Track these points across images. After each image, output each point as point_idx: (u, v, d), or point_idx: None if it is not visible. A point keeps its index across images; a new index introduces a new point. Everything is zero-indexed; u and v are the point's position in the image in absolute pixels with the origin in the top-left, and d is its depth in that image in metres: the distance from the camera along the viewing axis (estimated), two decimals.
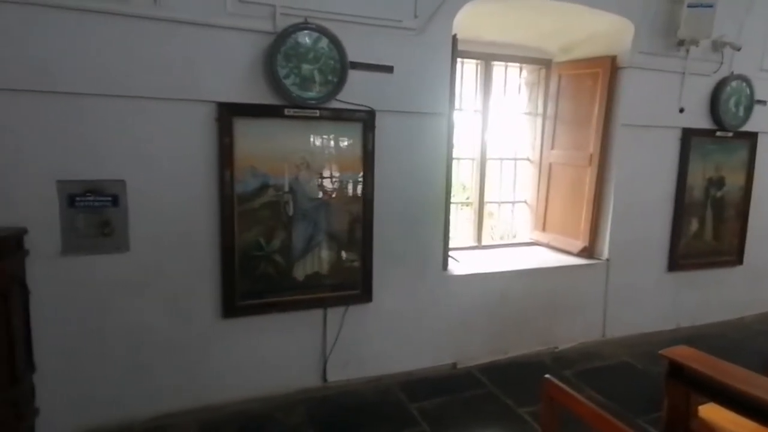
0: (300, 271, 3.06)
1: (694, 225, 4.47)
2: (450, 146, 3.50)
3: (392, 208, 3.31)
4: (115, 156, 2.65)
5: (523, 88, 4.70)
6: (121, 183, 2.66)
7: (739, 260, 4.72)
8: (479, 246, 4.46)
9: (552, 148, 4.56)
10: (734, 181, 4.56)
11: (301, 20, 2.82)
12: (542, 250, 4.54)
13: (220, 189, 2.81)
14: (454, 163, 4.41)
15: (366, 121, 3.13)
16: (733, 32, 4.16)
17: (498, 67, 4.45)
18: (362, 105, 3.09)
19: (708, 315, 4.66)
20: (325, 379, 3.27)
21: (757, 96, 4.43)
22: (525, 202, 4.84)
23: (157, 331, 2.84)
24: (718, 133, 4.38)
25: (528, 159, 4.78)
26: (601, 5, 3.69)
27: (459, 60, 4.17)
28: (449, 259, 3.64)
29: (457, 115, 4.30)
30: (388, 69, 3.15)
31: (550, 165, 4.59)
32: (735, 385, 1.93)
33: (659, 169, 4.27)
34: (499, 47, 4.31)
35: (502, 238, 4.99)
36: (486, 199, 4.54)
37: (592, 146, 4.18)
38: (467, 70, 4.32)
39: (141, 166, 2.69)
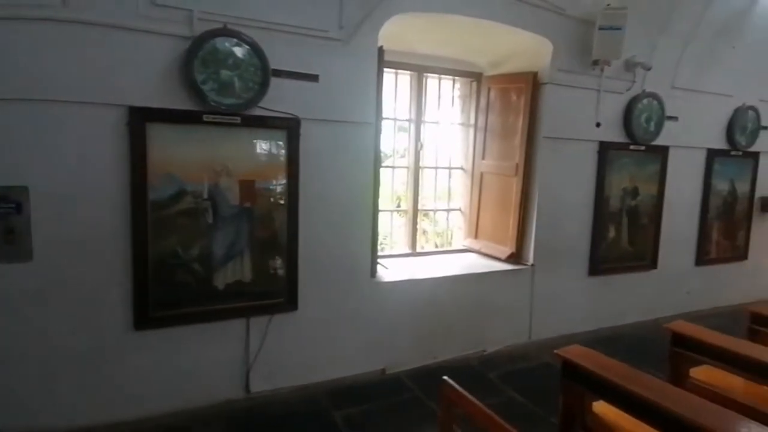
0: (221, 280, 3.02)
1: (612, 232, 4.76)
2: (378, 154, 3.56)
3: (318, 215, 3.33)
4: (18, 161, 2.52)
5: (457, 100, 4.85)
6: (24, 189, 2.54)
7: (654, 265, 5.06)
8: (414, 253, 4.55)
9: (483, 158, 4.73)
10: (647, 190, 4.89)
11: (219, 26, 2.81)
12: (474, 256, 4.69)
13: (132, 196, 2.73)
14: (389, 171, 4.53)
15: (291, 128, 3.14)
16: (646, 52, 4.48)
17: (432, 80, 4.58)
18: (286, 112, 3.10)
19: (625, 316, 4.95)
20: (248, 390, 3.23)
21: (669, 112, 4.78)
22: (459, 210, 4.98)
23: (65, 342, 2.72)
24: (632, 147, 4.69)
25: (462, 168, 4.93)
26: (521, 25, 3.88)
27: (393, 71, 4.30)
28: (378, 266, 3.69)
29: (390, 125, 4.43)
30: (314, 78, 3.18)
31: (482, 174, 4.76)
32: (618, 382, 2.07)
33: (579, 180, 4.52)
34: (432, 60, 4.44)
35: (441, 245, 5.11)
36: (422, 207, 4.64)
37: (518, 157, 4.37)
38: (401, 81, 4.42)
39: (46, 171, 2.58)
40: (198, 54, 2.73)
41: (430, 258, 4.54)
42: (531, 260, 4.37)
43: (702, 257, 5.42)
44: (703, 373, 2.80)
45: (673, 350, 2.77)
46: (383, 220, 4.39)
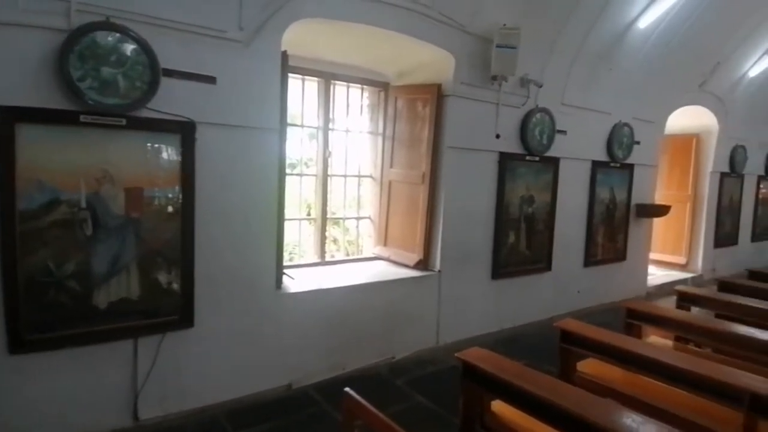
0: (102, 298, 2.72)
1: (512, 237, 5.04)
2: (283, 162, 3.46)
3: (217, 225, 3.15)
4: None
5: (365, 109, 4.89)
6: None
7: (549, 267, 5.44)
8: (323, 262, 4.48)
9: (391, 166, 4.80)
10: (542, 198, 5.26)
11: (101, 19, 2.56)
12: (383, 264, 4.72)
13: None
14: (297, 179, 4.42)
15: (185, 132, 2.94)
16: (538, 71, 4.83)
17: (340, 87, 4.57)
18: (180, 115, 2.90)
19: (524, 316, 5.26)
20: (136, 417, 2.94)
21: (559, 127, 5.19)
22: (369, 218, 5.00)
23: None
24: (528, 158, 5.02)
25: (371, 176, 4.96)
26: (426, 38, 4.00)
27: (299, 77, 4.22)
28: (284, 277, 3.57)
29: (297, 132, 4.34)
30: (210, 80, 3.02)
31: (390, 183, 4.82)
32: (512, 381, 2.16)
33: (482, 188, 4.74)
34: (340, 68, 4.43)
35: (351, 253, 5.07)
36: (332, 215, 4.59)
37: (425, 166, 4.49)
38: (309, 87, 4.36)
39: None
40: (74, 48, 2.47)
41: (339, 267, 4.50)
42: (438, 266, 4.49)
43: (589, 259, 5.94)
44: (588, 366, 3.03)
45: (562, 347, 2.97)
46: (291, 229, 4.29)
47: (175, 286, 2.97)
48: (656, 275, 7.42)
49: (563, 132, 5.27)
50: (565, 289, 5.68)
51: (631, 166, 6.22)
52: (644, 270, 6.91)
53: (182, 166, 2.94)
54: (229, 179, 3.18)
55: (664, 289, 7.05)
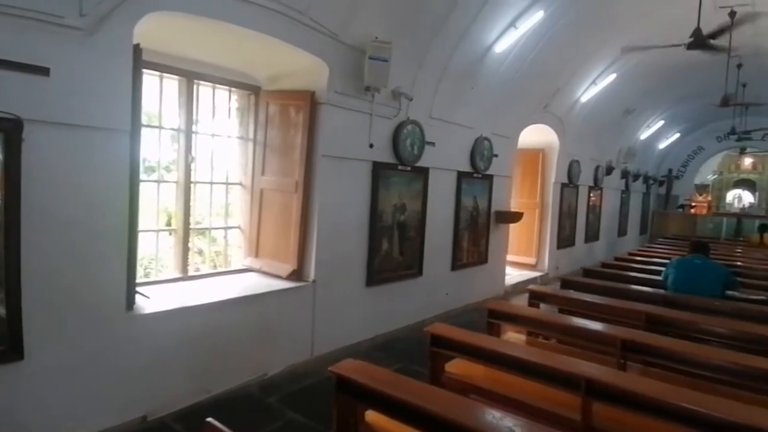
0: None
1: (386, 244, 5.17)
2: (135, 167, 3.10)
3: (52, 239, 2.70)
4: None
5: (234, 113, 4.63)
6: None
7: (420, 272, 5.69)
8: (186, 277, 4.11)
9: (263, 173, 4.61)
10: (413, 207, 5.49)
11: None
12: (255, 276, 4.50)
13: None
14: (154, 186, 4.00)
15: (8, 130, 2.47)
16: (408, 85, 5.04)
17: (206, 88, 4.26)
18: (1, 111, 2.43)
19: (398, 321, 5.42)
20: None
21: (428, 138, 5.47)
22: (238, 227, 4.73)
23: None
24: (400, 167, 5.21)
25: (240, 184, 4.71)
26: (297, 44, 3.92)
27: (157, 74, 3.84)
28: (137, 297, 3.19)
29: (156, 134, 3.94)
30: (43, 71, 2.58)
31: (262, 191, 4.63)
32: (383, 390, 2.18)
33: (356, 197, 4.79)
34: (205, 67, 4.14)
35: (218, 266, 4.74)
36: (196, 225, 4.24)
37: (298, 174, 4.39)
38: (169, 86, 3.99)
39: None
40: None
41: (205, 281, 4.18)
42: (312, 276, 4.41)
43: (456, 263, 6.35)
44: (455, 366, 3.19)
45: (432, 350, 3.10)
46: (147, 241, 3.87)
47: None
48: (512, 275, 8.21)
49: (432, 143, 5.57)
50: (435, 292, 5.99)
51: (490, 177, 6.82)
52: (502, 271, 7.62)
53: (5, 170, 2.47)
54: (68, 186, 2.75)
55: (518, 287, 7.84)
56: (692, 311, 4.01)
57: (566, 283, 5.00)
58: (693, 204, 16.34)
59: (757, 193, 17.50)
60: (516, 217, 7.35)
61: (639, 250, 8.72)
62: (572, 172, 9.16)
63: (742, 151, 15.55)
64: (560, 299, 4.35)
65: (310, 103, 4.28)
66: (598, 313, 3.90)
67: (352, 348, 4.77)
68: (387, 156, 5.06)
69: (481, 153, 6.46)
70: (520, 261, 8.79)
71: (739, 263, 6.97)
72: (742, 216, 16.49)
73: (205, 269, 4.56)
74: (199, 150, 4.22)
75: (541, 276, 8.62)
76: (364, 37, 4.29)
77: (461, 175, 6.25)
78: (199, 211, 4.50)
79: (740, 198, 17.78)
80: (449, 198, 6.16)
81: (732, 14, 6.61)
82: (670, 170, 16.02)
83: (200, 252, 4.79)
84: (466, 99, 5.92)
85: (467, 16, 5.05)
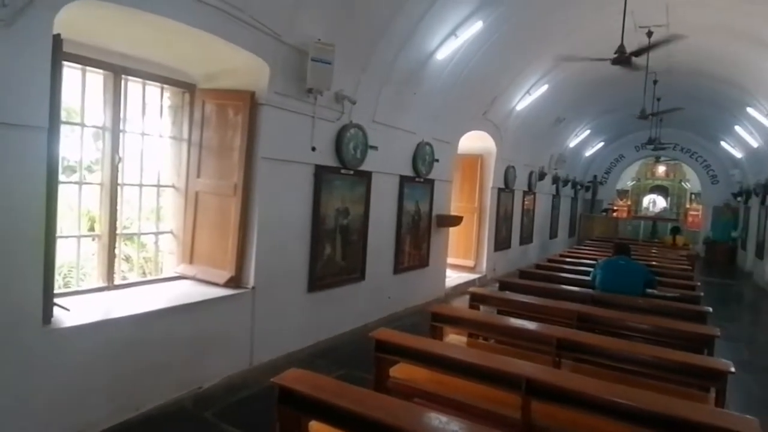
0: None
1: (328, 249, 5.09)
2: (54, 166, 2.83)
3: None
4: None
5: (167, 111, 4.38)
6: None
7: (362, 276, 5.66)
8: (111, 286, 3.81)
9: (198, 176, 4.39)
10: (356, 210, 5.45)
11: None
12: (189, 283, 4.26)
13: None
14: (75, 188, 3.69)
15: None
16: (352, 88, 5.01)
17: (135, 84, 3.99)
18: None
19: (341, 326, 5.35)
20: None
21: (371, 142, 5.46)
22: (171, 232, 4.47)
23: None
24: (343, 171, 5.16)
25: (173, 186, 4.45)
26: (236, 41, 3.76)
27: (79, 67, 3.55)
28: (55, 309, 2.91)
29: (76, 132, 3.64)
30: None
31: (197, 194, 4.40)
32: (327, 399, 2.12)
33: (298, 200, 4.68)
34: (134, 62, 3.87)
35: (149, 273, 4.45)
36: (124, 230, 3.95)
37: (237, 176, 4.22)
38: (94, 81, 3.70)
39: None
40: None
41: (133, 290, 3.90)
42: (252, 283, 4.25)
43: (398, 267, 6.38)
44: (399, 370, 3.18)
45: (377, 355, 3.07)
46: (66, 248, 3.56)
47: None
48: (452, 277, 8.39)
49: (375, 148, 5.56)
50: (377, 296, 5.98)
51: (432, 181, 6.92)
52: (443, 274, 7.76)
53: None
54: None
55: (459, 289, 8.03)
56: (618, 309, 4.27)
57: (504, 285, 5.17)
58: (615, 208, 17.58)
59: (669, 198, 19.12)
60: (456, 221, 7.52)
61: (568, 252, 9.22)
62: (508, 177, 9.53)
63: (657, 160, 16.94)
64: (499, 301, 4.49)
65: (249, 103, 4.13)
66: (534, 314, 4.06)
67: (294, 355, 4.64)
68: (330, 159, 4.99)
69: (422, 158, 6.55)
70: (460, 263, 9.00)
71: (654, 263, 7.54)
72: (656, 219, 17.99)
73: (134, 277, 4.27)
74: (128, 150, 3.94)
75: (479, 278, 8.88)
76: (307, 38, 4.21)
77: (403, 180, 6.30)
78: (127, 215, 4.21)
79: (654, 202, 19.33)
80: (392, 202, 6.18)
81: (649, 34, 7.20)
82: (595, 176, 17.13)
83: (128, 259, 4.49)
84: (409, 104, 5.98)
85: (410, 23, 5.11)
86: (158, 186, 4.33)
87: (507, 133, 8.95)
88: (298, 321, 4.78)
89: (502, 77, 7.45)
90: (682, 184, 18.71)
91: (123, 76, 3.82)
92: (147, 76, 4.03)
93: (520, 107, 8.58)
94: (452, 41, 5.64)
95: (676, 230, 12.76)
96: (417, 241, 6.77)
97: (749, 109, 9.33)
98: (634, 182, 19.23)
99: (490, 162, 8.99)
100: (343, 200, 5.23)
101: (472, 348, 3.55)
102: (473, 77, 6.64)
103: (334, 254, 5.20)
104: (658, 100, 10.15)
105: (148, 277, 4.29)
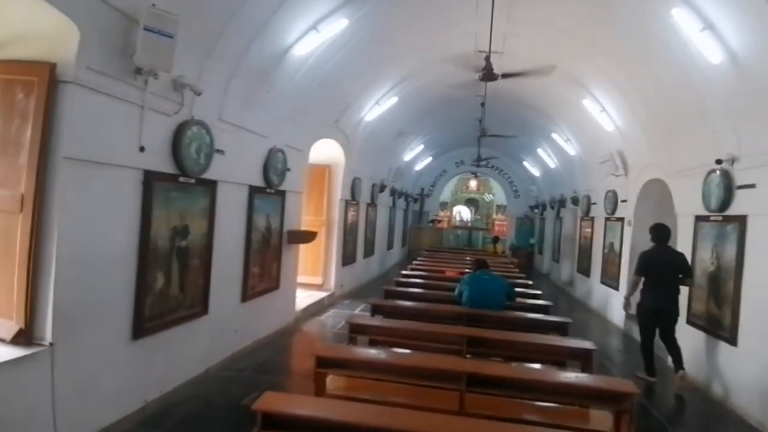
0: None
1: (161, 280, 3.93)
2: None
3: None
4: None
5: None
6: None
7: (205, 310, 4.58)
8: None
9: None
10: (198, 228, 4.39)
11: None
12: None
13: None
14: None
15: None
16: (195, 75, 3.98)
17: None
18: None
19: (176, 377, 4.20)
20: None
21: (217, 145, 4.46)
22: None
23: None
24: (182, 179, 4.08)
25: None
26: None
27: None
28: None
29: None
30: None
31: None
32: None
33: (118, 218, 3.48)
34: None
35: None
36: None
37: (24, 185, 2.91)
38: None
39: None
40: None
41: None
42: (49, 337, 2.95)
43: (246, 293, 5.42)
44: None
45: None
46: None
47: None
48: (300, 297, 7.67)
49: (221, 152, 4.59)
50: (222, 331, 4.94)
51: (283, 193, 6.15)
52: (293, 296, 6.99)
53: None
54: None
55: (308, 311, 7.37)
56: (493, 326, 4.17)
57: (377, 308, 4.72)
58: (439, 219, 19.00)
59: (478, 210, 21.43)
60: (310, 236, 6.86)
61: (418, 265, 9.14)
62: (355, 189, 9.26)
63: (474, 174, 18.86)
64: (381, 330, 4.00)
65: (48, 80, 2.88)
66: (420, 342, 3.69)
67: (115, 428, 3.42)
68: (165, 164, 3.88)
69: (274, 166, 5.74)
70: (307, 282, 8.34)
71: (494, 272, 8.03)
72: (472, 229, 20.04)
73: None
74: None
75: (328, 296, 8.35)
76: (139, 2, 3.13)
77: (253, 191, 5.40)
78: None
79: (460, 213, 21.38)
80: (240, 217, 5.24)
81: (487, 59, 7.69)
82: (422, 189, 18.28)
83: None
84: (261, 103, 5.15)
85: (268, 6, 4.33)
86: None
87: (355, 144, 8.67)
88: (117, 381, 3.52)
89: (357, 84, 7.11)
90: (490, 196, 21.21)
91: None
92: None
93: (369, 118, 8.37)
94: (313, 36, 5.02)
95: (496, 239, 14.23)
96: (267, 261, 5.91)
97: (554, 135, 10.82)
98: (453, 195, 21.11)
99: (338, 173, 8.58)
100: (181, 216, 4.13)
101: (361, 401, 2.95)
102: (330, 80, 6.13)
103: (169, 285, 4.06)
104: (480, 121, 11.11)
105: None
